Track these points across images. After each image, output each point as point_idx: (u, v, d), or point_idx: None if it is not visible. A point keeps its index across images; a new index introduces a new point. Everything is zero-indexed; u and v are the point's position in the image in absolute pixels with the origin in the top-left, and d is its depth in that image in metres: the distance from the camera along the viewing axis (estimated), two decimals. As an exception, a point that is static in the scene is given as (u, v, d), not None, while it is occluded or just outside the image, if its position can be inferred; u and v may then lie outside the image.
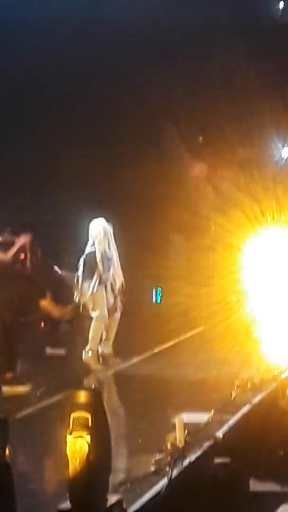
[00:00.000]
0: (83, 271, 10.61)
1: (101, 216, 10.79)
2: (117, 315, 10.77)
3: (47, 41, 14.35)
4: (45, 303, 9.69)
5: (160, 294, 15.25)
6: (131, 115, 14.84)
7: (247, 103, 15.49)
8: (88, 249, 10.66)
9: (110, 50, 14.68)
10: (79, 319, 11.30)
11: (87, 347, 10.55)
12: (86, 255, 10.64)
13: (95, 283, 10.57)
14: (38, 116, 14.47)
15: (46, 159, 14.64)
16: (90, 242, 10.67)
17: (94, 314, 10.59)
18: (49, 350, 11.45)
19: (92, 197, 13.85)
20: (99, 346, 10.61)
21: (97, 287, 10.57)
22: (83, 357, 10.54)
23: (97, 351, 10.57)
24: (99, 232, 10.66)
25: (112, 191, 14.39)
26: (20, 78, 14.10)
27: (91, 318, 10.63)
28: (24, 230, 10.99)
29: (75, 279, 10.68)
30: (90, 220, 10.77)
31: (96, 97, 14.87)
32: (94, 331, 10.57)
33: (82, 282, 10.61)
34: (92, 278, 10.58)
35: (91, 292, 10.56)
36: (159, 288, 15.24)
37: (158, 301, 15.20)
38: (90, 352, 10.50)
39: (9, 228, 11.23)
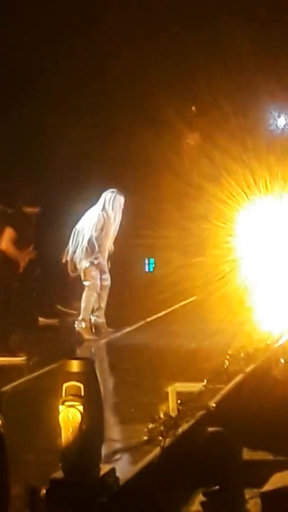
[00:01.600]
0: (85, 244, 10.53)
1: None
2: (107, 283, 10.71)
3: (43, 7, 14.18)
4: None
5: (153, 263, 15.23)
6: (123, 84, 14.72)
7: (241, 72, 15.39)
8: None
9: (104, 19, 14.53)
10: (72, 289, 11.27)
11: (80, 317, 10.54)
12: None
13: (91, 257, 10.52)
14: (29, 90, 14.33)
15: (37, 130, 14.49)
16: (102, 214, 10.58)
17: (86, 283, 10.57)
18: (42, 320, 11.44)
19: (84, 167, 13.74)
20: (91, 316, 10.59)
21: (95, 260, 10.52)
22: (75, 326, 10.53)
23: (90, 320, 10.56)
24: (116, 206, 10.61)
25: (104, 161, 14.31)
26: (10, 43, 13.91)
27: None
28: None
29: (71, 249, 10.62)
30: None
31: (88, 68, 14.73)
32: (86, 300, 10.54)
33: (79, 253, 10.56)
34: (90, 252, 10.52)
35: (85, 265, 10.51)
36: (151, 258, 15.22)
37: (151, 271, 15.19)
38: (82, 321, 10.49)
39: None
